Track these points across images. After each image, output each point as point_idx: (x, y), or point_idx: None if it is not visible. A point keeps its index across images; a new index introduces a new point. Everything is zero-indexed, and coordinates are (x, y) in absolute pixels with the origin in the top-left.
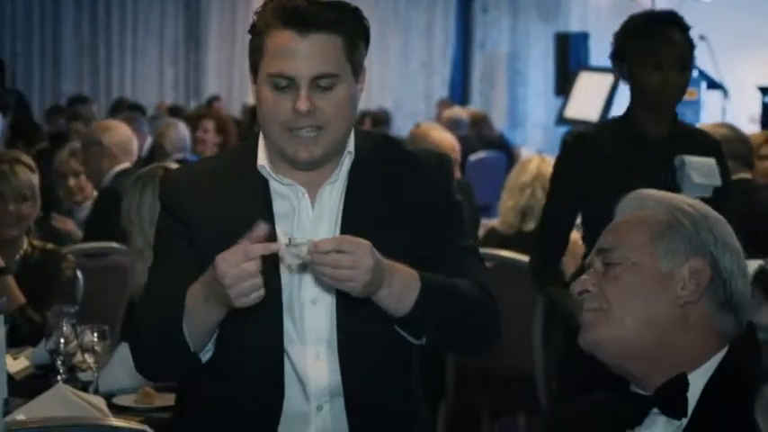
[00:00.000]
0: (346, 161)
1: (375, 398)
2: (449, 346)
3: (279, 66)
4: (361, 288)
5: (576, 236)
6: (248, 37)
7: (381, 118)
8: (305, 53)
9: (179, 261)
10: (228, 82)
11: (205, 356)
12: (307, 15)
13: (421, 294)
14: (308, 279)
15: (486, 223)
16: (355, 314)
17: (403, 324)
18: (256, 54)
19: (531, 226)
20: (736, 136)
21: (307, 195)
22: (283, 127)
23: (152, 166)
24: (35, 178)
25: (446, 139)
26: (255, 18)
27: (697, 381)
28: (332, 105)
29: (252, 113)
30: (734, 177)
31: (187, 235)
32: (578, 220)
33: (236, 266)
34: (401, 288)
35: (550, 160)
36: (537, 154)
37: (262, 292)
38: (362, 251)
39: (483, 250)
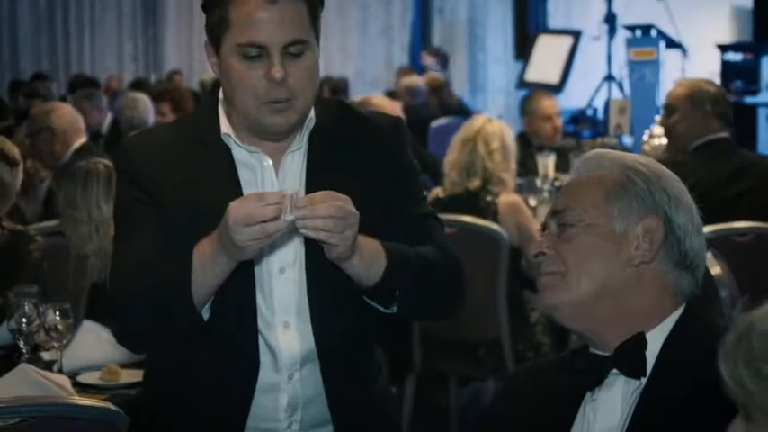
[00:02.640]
0: (307, 128)
1: (348, 362)
2: (418, 314)
3: (249, 35)
4: (351, 241)
5: (515, 197)
6: None
7: (339, 86)
8: (276, 20)
9: (151, 227)
10: (188, 54)
11: (205, 315)
12: None
13: (388, 263)
14: (275, 250)
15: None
16: (324, 281)
17: (373, 293)
18: (219, 26)
19: (476, 183)
20: (722, 95)
21: (271, 163)
22: (257, 98)
23: (94, 161)
24: (8, 171)
25: (387, 106)
26: None
27: (655, 339)
28: (302, 72)
29: (212, 88)
30: (716, 137)
31: (154, 203)
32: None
33: (249, 211)
34: (369, 257)
35: (498, 121)
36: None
37: (267, 241)
38: (350, 202)
39: (445, 216)
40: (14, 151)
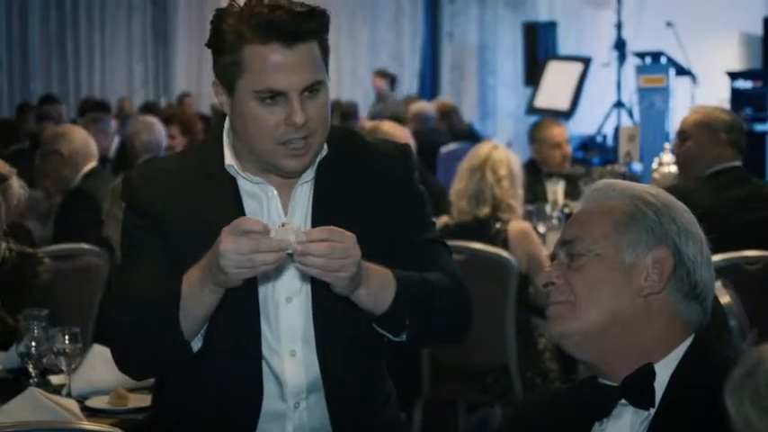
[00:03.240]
0: (318, 159)
1: (354, 391)
2: (427, 340)
3: (267, 82)
4: (348, 280)
5: (524, 224)
6: None
7: (349, 111)
8: (293, 65)
9: (154, 256)
10: (198, 77)
11: (196, 345)
12: (291, 27)
13: (397, 292)
14: (282, 278)
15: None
16: (331, 310)
17: (382, 322)
18: (232, 69)
19: (486, 211)
20: (737, 123)
21: (276, 194)
22: (275, 140)
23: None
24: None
25: (397, 132)
26: (220, 32)
27: (663, 370)
28: (319, 110)
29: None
30: (729, 165)
31: (158, 232)
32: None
33: (237, 239)
34: (377, 286)
35: (503, 147)
36: (506, 144)
37: (252, 272)
38: (352, 241)
39: (454, 242)
40: (3, 168)
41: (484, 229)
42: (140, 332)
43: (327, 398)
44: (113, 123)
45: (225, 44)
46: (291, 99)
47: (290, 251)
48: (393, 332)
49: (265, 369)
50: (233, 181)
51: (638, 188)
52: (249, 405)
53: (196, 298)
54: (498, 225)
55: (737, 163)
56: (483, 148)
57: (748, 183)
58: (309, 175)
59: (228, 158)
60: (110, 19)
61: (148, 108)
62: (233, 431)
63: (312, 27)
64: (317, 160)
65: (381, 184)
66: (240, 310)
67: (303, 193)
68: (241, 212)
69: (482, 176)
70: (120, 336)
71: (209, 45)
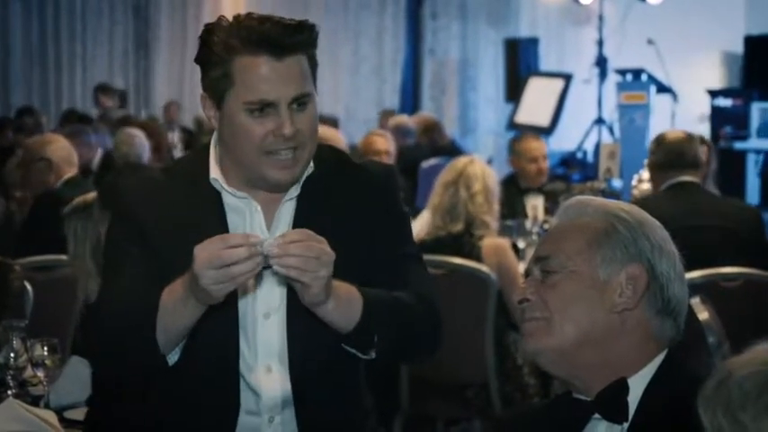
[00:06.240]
0: (304, 176)
1: (325, 409)
2: (395, 358)
3: (257, 93)
4: (324, 281)
5: (498, 240)
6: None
7: (330, 125)
8: (283, 77)
9: (138, 265)
10: (179, 90)
11: (172, 359)
12: (281, 39)
13: (365, 307)
14: (261, 293)
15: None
16: (306, 327)
17: (351, 338)
18: (222, 82)
19: (459, 227)
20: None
21: (260, 209)
22: (262, 151)
23: (83, 198)
24: None
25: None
26: (210, 44)
27: (637, 385)
28: (307, 123)
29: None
30: (681, 180)
31: (141, 242)
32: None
33: (212, 253)
34: (346, 301)
35: (480, 162)
36: (487, 160)
37: (233, 285)
38: (325, 243)
39: (435, 257)
40: None
41: (458, 245)
42: (118, 343)
43: (297, 414)
44: (93, 135)
45: (214, 57)
46: (281, 110)
47: (266, 253)
48: (361, 350)
49: (242, 383)
50: (218, 195)
51: (612, 205)
52: (225, 419)
53: (178, 313)
54: (472, 241)
55: (690, 178)
56: (459, 163)
57: (697, 194)
58: (295, 191)
59: (214, 172)
60: (91, 30)
61: (124, 121)
62: None
63: (301, 40)
64: (304, 177)
65: (365, 204)
66: (219, 325)
67: (287, 210)
68: (224, 227)
69: (455, 192)
70: (101, 345)
71: (197, 60)
